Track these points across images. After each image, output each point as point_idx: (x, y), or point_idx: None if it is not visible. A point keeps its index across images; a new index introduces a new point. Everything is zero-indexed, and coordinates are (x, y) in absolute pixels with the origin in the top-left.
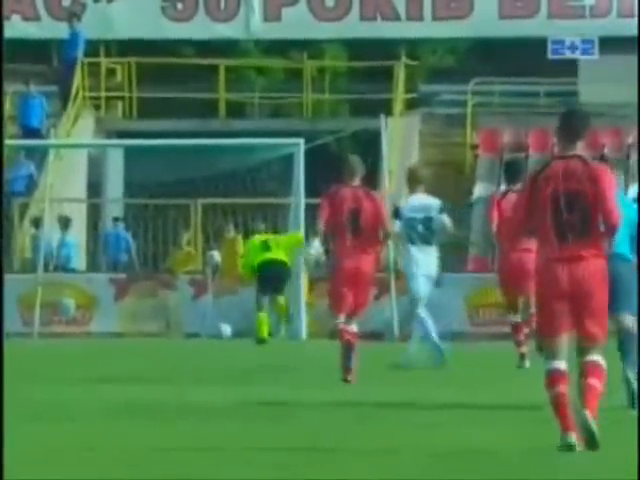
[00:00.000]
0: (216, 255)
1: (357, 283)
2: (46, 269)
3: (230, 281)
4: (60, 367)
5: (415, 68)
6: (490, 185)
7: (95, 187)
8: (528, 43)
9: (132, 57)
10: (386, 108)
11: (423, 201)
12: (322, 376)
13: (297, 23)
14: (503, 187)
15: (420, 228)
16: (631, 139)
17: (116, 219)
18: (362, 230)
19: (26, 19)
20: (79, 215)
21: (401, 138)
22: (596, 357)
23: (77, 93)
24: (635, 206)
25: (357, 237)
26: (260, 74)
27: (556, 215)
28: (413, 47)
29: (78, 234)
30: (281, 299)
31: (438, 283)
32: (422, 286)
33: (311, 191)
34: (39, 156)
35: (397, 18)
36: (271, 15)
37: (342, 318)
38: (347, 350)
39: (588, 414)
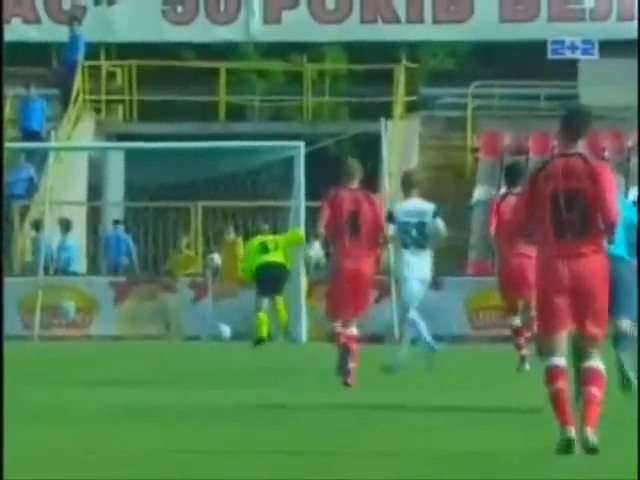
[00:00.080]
0: (216, 258)
1: (357, 285)
2: (46, 272)
3: (230, 284)
4: (60, 370)
5: (415, 71)
6: (490, 188)
7: (95, 190)
8: (528, 46)
9: (132, 60)
10: (386, 111)
11: (418, 206)
12: (321, 379)
13: (297, 26)
14: (503, 190)
15: (414, 232)
16: (631, 142)
17: (116, 222)
18: (362, 232)
19: (27, 22)
20: (79, 218)
21: (401, 141)
22: (596, 363)
23: (77, 96)
24: (635, 208)
25: (357, 239)
26: (260, 77)
27: (555, 214)
28: (413, 50)
29: (78, 237)
30: (281, 308)
31: (437, 286)
32: (415, 289)
33: (311, 194)
34: (39, 159)
35: (397, 21)
36: (271, 18)
37: (338, 322)
38: (344, 354)
39: (589, 432)
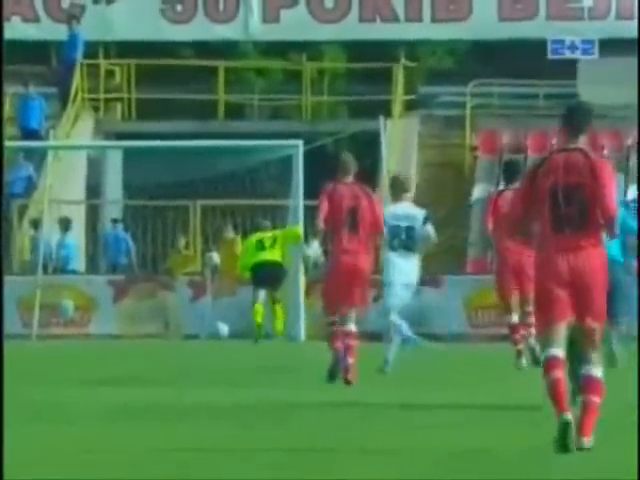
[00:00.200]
0: (215, 256)
1: (354, 279)
2: (45, 271)
3: (229, 282)
4: (59, 369)
5: (414, 70)
6: (489, 186)
7: (94, 188)
8: (527, 45)
9: (131, 59)
10: (385, 110)
11: (407, 210)
12: (320, 377)
13: (296, 25)
14: (502, 187)
15: (403, 236)
16: (630, 141)
17: (115, 220)
18: (360, 228)
19: (25, 20)
20: (78, 217)
21: (400, 140)
22: (595, 371)
23: (76, 95)
24: (634, 205)
25: (355, 235)
26: (259, 75)
27: (554, 208)
28: (412, 49)
29: (77, 236)
30: (279, 315)
31: (436, 284)
32: (399, 295)
33: (310, 193)
34: (38, 158)
35: (396, 20)
36: (270, 17)
37: (336, 317)
38: (336, 359)
39: (585, 442)
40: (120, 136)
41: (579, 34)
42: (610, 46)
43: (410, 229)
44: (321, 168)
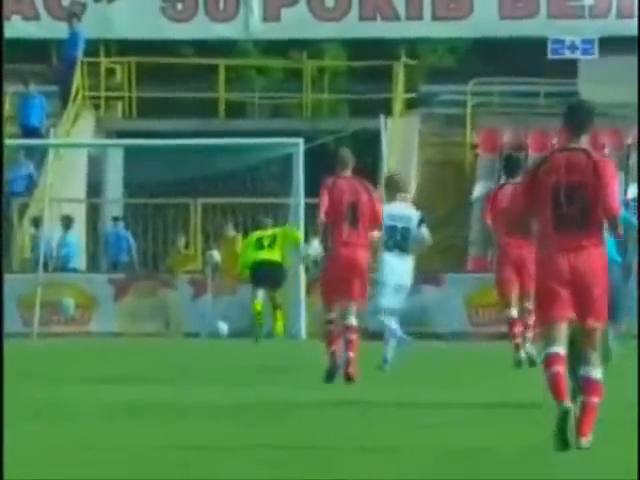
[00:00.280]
0: (215, 255)
1: (352, 272)
2: (46, 269)
3: (229, 281)
4: (59, 367)
5: (415, 68)
6: (490, 185)
7: (95, 187)
8: (528, 43)
9: (132, 57)
10: (386, 108)
11: (403, 211)
12: (321, 376)
13: (296, 23)
14: (502, 181)
15: (398, 237)
16: (631, 139)
17: (116, 219)
18: (359, 223)
19: (26, 19)
20: (79, 215)
21: (401, 138)
22: (595, 372)
23: (77, 93)
24: (634, 204)
25: (354, 229)
26: (260, 74)
27: (556, 207)
28: (413, 47)
29: (78, 234)
30: (279, 316)
31: (437, 282)
32: (392, 296)
33: (311, 191)
34: (39, 156)
35: (397, 18)
36: (270, 15)
37: (333, 315)
38: (335, 358)
39: (584, 441)
40: (121, 134)
41: (580, 32)
42: (610, 44)
43: (406, 230)
44: (322, 166)
